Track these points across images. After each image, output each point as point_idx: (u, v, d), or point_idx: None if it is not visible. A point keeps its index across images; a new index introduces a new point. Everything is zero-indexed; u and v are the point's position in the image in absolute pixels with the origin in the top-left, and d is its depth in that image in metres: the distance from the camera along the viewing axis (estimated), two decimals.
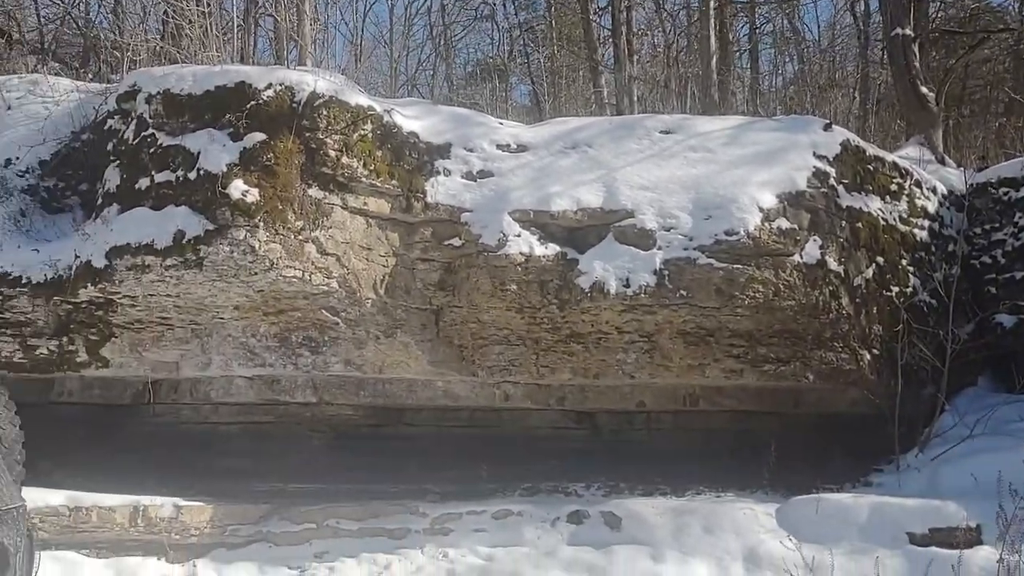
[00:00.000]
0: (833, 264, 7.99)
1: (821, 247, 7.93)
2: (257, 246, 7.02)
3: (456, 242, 7.92)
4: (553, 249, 7.84)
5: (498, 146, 8.35)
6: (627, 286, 7.59)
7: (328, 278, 7.48)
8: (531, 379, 8.42)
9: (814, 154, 8.27)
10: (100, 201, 7.61)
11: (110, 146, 7.81)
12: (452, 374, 8.42)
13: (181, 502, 7.36)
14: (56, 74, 9.63)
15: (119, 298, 7.45)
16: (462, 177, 8.11)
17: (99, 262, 7.19)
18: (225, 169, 7.06)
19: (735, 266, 7.61)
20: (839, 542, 6.78)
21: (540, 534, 7.38)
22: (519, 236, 7.78)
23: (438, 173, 8.08)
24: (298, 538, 7.45)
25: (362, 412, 8.61)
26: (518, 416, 8.67)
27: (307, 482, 8.10)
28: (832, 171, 8.29)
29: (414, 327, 8.11)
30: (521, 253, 7.73)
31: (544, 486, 8.28)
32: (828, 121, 9.19)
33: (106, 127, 8.01)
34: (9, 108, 8.30)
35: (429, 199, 7.96)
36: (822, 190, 8.11)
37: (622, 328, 7.94)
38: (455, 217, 7.95)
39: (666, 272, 7.59)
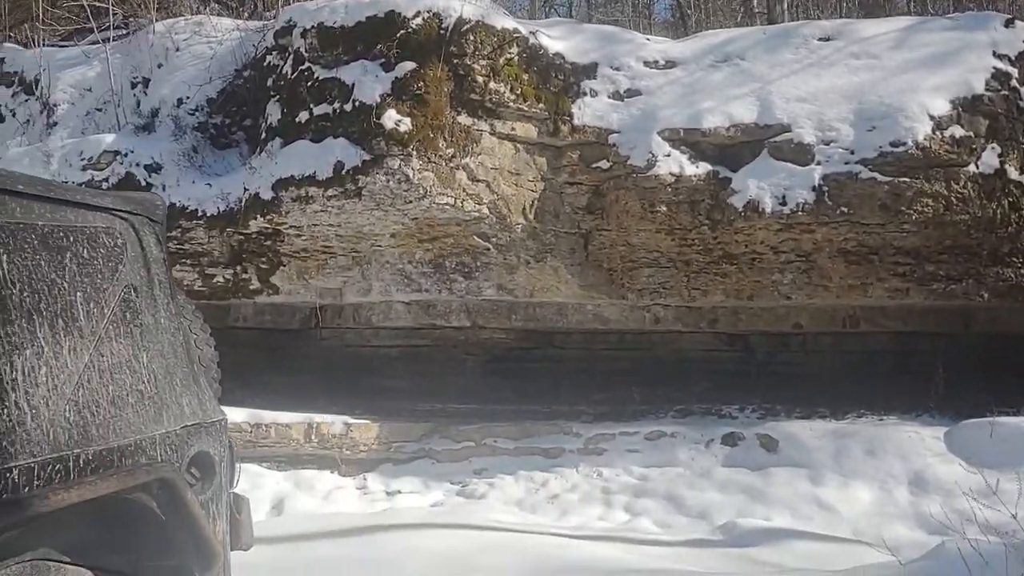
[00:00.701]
0: (1014, 173, 7.42)
1: (1000, 155, 7.37)
2: (411, 174, 7.19)
3: (604, 164, 7.84)
4: (704, 168, 7.64)
5: (645, 63, 8.14)
6: (783, 204, 7.32)
7: (479, 204, 7.59)
8: (682, 301, 8.34)
9: (993, 53, 7.62)
10: (263, 135, 7.98)
11: (270, 81, 8.14)
12: (602, 297, 8.44)
13: (350, 420, 7.79)
14: (217, 15, 10.04)
15: (285, 228, 7.84)
16: (609, 97, 7.98)
17: (266, 194, 7.58)
18: (379, 100, 7.23)
19: (901, 179, 7.20)
20: (1019, 466, 6.44)
21: (694, 455, 7.38)
22: (668, 156, 7.61)
23: (584, 94, 7.98)
24: (458, 455, 7.77)
25: (514, 335, 8.80)
26: (668, 339, 8.63)
27: (464, 403, 8.39)
28: (1014, 71, 7.63)
29: (563, 251, 8.16)
30: (671, 173, 7.57)
31: (696, 408, 8.25)
32: (1010, 16, 8.41)
33: (265, 63, 8.34)
34: (177, 50, 8.75)
35: (576, 121, 7.89)
36: (1002, 93, 7.49)
37: (778, 248, 7.69)
38: (602, 139, 7.86)
39: (825, 188, 7.27)
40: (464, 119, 7.49)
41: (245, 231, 7.96)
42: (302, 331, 8.96)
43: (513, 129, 7.75)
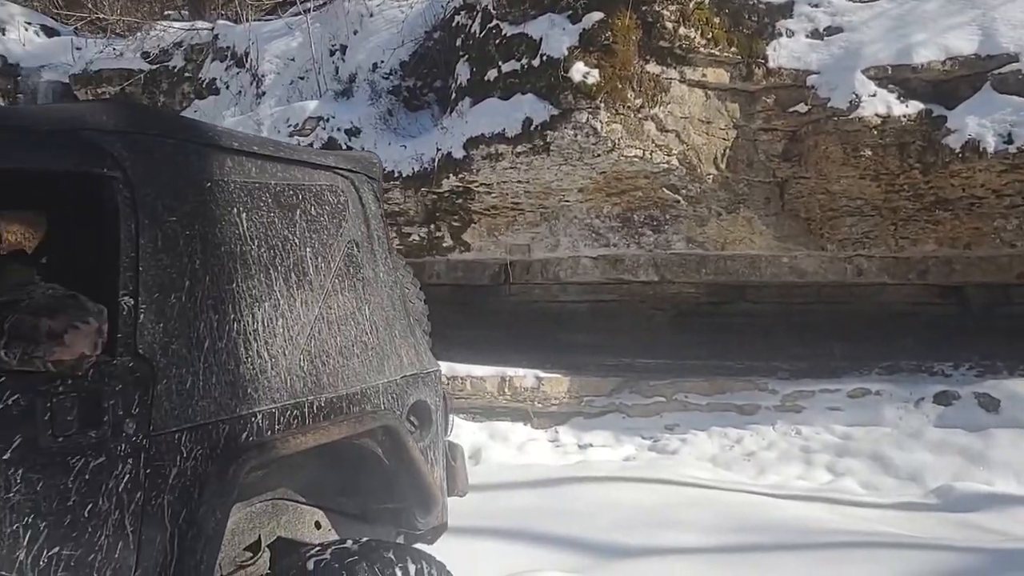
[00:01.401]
0: None
1: None
2: (599, 127, 7.10)
3: (801, 108, 7.42)
4: (915, 107, 7.07)
5: None
6: (1008, 142, 6.66)
7: (668, 155, 7.40)
8: (888, 252, 7.81)
9: None
10: (453, 95, 8.13)
11: (459, 41, 8.26)
12: (799, 249, 8.06)
13: (541, 374, 7.91)
14: None
15: (476, 186, 7.99)
16: (807, 36, 7.52)
17: (458, 153, 7.73)
18: (566, 52, 7.16)
19: None
20: None
21: (902, 414, 6.97)
22: (874, 96, 7.09)
23: (779, 35, 7.56)
24: (648, 410, 7.72)
25: (703, 290, 8.59)
26: (872, 291, 8.13)
27: (652, 358, 8.30)
28: None
29: (757, 201, 7.83)
30: (876, 115, 7.06)
31: (904, 365, 7.74)
32: None
33: (454, 24, 8.46)
34: (371, 16, 9.05)
35: (771, 64, 7.49)
36: None
37: (1001, 191, 7.02)
38: (800, 81, 7.43)
39: None
40: (653, 68, 7.29)
41: (438, 190, 8.17)
42: (492, 287, 9.16)
43: (704, 75, 7.48)
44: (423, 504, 2.89)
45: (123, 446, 2.04)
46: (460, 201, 8.31)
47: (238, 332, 2.33)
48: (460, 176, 7.86)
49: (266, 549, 2.61)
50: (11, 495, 1.83)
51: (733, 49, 7.47)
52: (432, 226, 8.57)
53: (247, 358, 2.35)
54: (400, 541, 3.02)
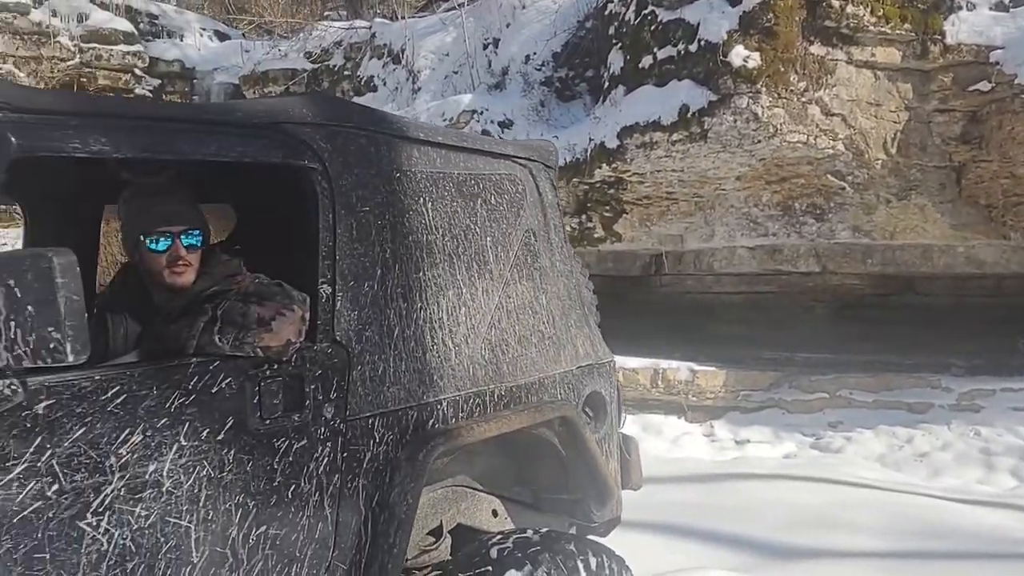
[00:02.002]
0: None
1: None
2: (760, 112, 6.85)
3: (983, 86, 6.92)
4: None
5: None
6: None
7: (833, 140, 7.07)
8: None
9: None
10: (606, 85, 8.04)
11: (611, 30, 8.16)
12: (977, 238, 7.53)
13: (695, 367, 7.74)
14: None
15: (628, 176, 7.88)
16: (990, 9, 7.00)
17: (611, 143, 7.65)
18: (725, 37, 6.94)
19: None
20: None
21: None
22: None
23: (959, 8, 7.07)
24: (809, 407, 7.42)
25: (868, 281, 8.18)
26: None
27: (813, 351, 7.98)
28: None
29: (931, 187, 7.37)
30: None
31: None
32: None
33: (607, 12, 8.37)
34: (524, 8, 9.09)
35: (948, 40, 7.01)
36: None
37: None
38: (982, 57, 6.92)
39: None
40: (817, 49, 6.97)
41: (590, 180, 8.12)
42: (642, 278, 9.04)
43: (872, 55, 7.08)
44: (599, 496, 2.85)
45: (322, 430, 2.10)
46: (612, 191, 8.22)
47: (425, 320, 2.36)
48: (613, 166, 7.77)
49: (447, 535, 2.64)
50: (224, 474, 1.92)
51: (906, 26, 7.03)
52: (583, 217, 8.53)
53: (433, 346, 2.38)
54: (572, 532, 3.00)
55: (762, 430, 7.28)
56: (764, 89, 6.86)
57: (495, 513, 2.81)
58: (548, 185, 2.90)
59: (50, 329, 1.48)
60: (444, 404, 2.40)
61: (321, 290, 2.12)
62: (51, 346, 1.48)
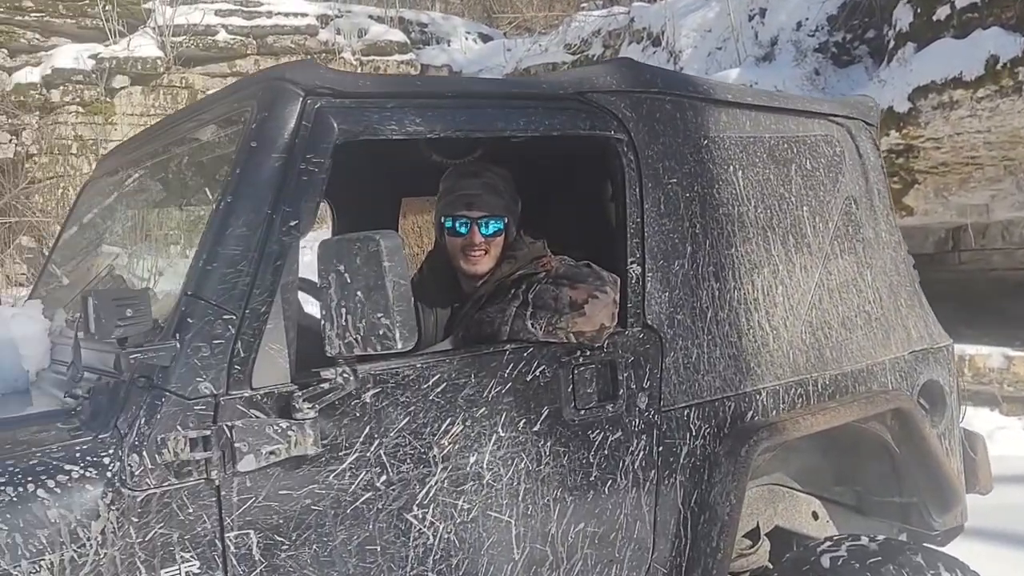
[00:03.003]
0: None
1: None
2: None
3: None
4: None
5: None
6: None
7: None
8: None
9: None
10: (891, 44, 7.28)
11: None
12: None
13: (1011, 352, 6.81)
14: None
15: (922, 142, 7.07)
16: None
17: (900, 106, 6.90)
18: None
19: None
20: None
21: None
22: None
23: None
24: None
25: None
26: None
27: None
28: None
29: None
30: None
31: None
32: None
33: None
34: None
35: None
36: None
37: None
38: None
39: None
40: None
41: None
42: (937, 255, 8.14)
43: None
44: (940, 500, 2.47)
45: (636, 421, 1.95)
46: (901, 160, 7.43)
47: (739, 301, 2.14)
48: (904, 132, 7.00)
49: (764, 538, 2.40)
50: (541, 467, 1.82)
51: None
52: None
53: (749, 330, 2.16)
54: (903, 539, 2.63)
55: None
56: None
57: (815, 516, 2.53)
58: (870, 145, 2.56)
59: (379, 315, 1.44)
60: (763, 394, 2.16)
61: (630, 270, 1.96)
62: (381, 332, 1.44)
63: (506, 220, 2.09)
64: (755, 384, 2.15)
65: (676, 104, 2.08)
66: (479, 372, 1.75)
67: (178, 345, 1.45)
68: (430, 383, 1.68)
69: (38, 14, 10.68)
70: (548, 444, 1.82)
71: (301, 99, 1.61)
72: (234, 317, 1.49)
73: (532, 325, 1.82)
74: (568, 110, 1.91)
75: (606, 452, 1.90)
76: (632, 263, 1.97)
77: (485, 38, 12.28)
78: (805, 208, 2.32)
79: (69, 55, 10.37)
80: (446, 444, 1.70)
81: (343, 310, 1.46)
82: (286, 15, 11.00)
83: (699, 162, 2.10)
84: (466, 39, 12.01)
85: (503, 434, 1.77)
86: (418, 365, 1.68)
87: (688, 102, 2.11)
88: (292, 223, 1.55)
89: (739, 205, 2.17)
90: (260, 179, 1.55)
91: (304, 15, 11.13)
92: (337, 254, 1.47)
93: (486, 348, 1.80)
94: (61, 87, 10.21)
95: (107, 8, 10.53)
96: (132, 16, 10.68)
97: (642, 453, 1.95)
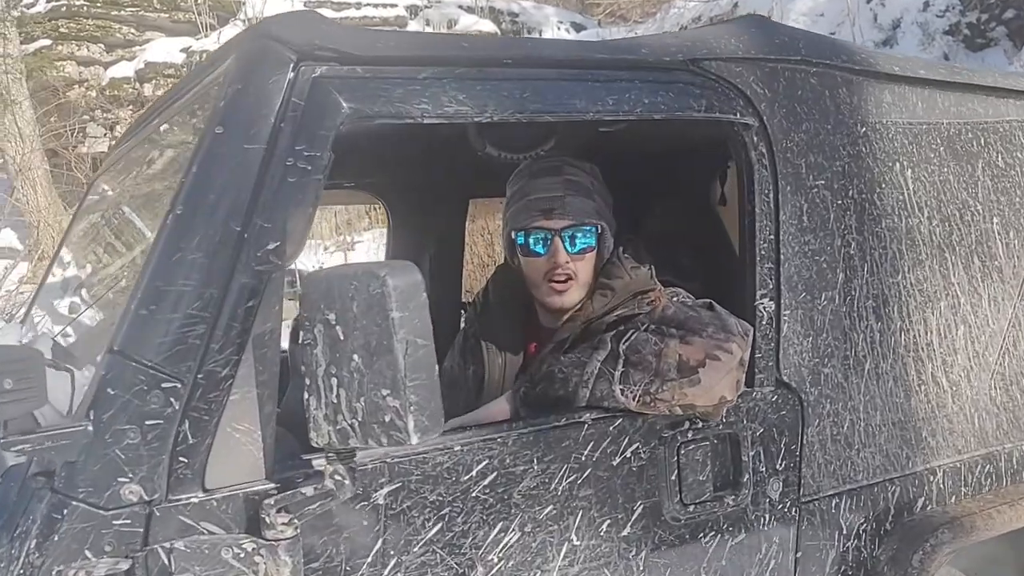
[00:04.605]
0: None
1: None
2: None
3: None
4: None
5: None
6: None
7: None
8: None
9: None
10: None
11: None
12: None
13: None
14: None
15: None
16: None
17: None
18: None
19: None
20: None
21: None
22: None
23: None
24: None
25: None
26: None
27: None
28: None
29: None
30: None
31: None
32: None
33: None
34: None
35: None
36: None
37: None
38: None
39: None
40: None
41: None
42: None
43: None
44: None
45: (767, 517, 1.41)
46: None
47: (907, 348, 1.57)
48: None
49: None
50: None
51: None
52: None
53: (921, 386, 1.59)
54: None
55: None
56: None
57: None
58: None
59: (385, 392, 0.93)
60: (940, 474, 1.59)
61: (760, 307, 1.42)
62: (387, 418, 0.93)
63: (599, 229, 1.55)
64: (929, 461, 1.58)
65: (824, 78, 1.51)
66: (544, 455, 1.23)
67: (90, 428, 0.98)
68: (473, 473, 1.18)
69: (133, 8, 10.72)
70: (643, 554, 1.30)
71: (292, 64, 1.11)
72: (179, 385, 1.00)
73: (622, 391, 1.28)
74: (676, 84, 1.36)
75: (723, 563, 1.37)
76: (762, 297, 1.42)
77: (578, 27, 11.72)
78: (996, 219, 1.72)
79: (161, 49, 10.39)
80: (495, 561, 1.19)
81: (333, 381, 0.96)
82: (375, 6, 10.80)
83: (855, 157, 1.53)
84: (559, 29, 11.48)
85: (578, 543, 1.25)
86: (456, 448, 1.17)
87: (841, 76, 1.53)
88: (270, 245, 1.05)
89: (908, 217, 1.59)
90: (224, 181, 1.06)
91: (393, 6, 10.91)
92: (326, 297, 0.96)
93: (555, 419, 1.28)
94: (153, 81, 10.21)
95: (199, 2, 10.47)
96: (224, 9, 10.63)
97: (774, 562, 1.41)
